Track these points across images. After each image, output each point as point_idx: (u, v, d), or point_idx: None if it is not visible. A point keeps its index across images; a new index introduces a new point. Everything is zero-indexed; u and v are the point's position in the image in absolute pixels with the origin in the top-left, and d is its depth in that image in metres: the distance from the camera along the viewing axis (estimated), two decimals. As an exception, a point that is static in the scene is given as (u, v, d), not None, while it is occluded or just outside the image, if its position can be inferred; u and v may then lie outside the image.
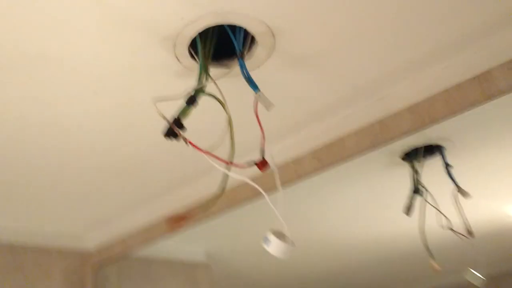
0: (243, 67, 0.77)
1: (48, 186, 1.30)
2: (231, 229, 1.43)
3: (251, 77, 0.76)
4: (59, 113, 0.98)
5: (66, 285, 1.59)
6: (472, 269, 1.22)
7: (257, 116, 0.75)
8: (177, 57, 0.83)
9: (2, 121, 0.99)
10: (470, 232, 1.13)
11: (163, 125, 0.74)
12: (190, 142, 0.69)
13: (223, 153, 0.77)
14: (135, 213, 1.51)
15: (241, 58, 0.78)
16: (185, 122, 0.75)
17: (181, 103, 0.76)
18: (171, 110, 0.75)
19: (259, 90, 0.75)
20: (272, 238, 0.65)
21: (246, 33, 0.80)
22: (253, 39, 0.81)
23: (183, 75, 0.87)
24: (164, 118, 0.69)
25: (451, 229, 1.13)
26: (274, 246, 0.65)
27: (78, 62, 0.83)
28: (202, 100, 0.78)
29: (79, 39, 0.78)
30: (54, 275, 1.58)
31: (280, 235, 0.66)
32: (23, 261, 1.52)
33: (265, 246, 0.66)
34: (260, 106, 0.76)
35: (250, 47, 0.83)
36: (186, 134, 0.74)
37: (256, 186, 0.69)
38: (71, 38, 0.78)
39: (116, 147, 1.14)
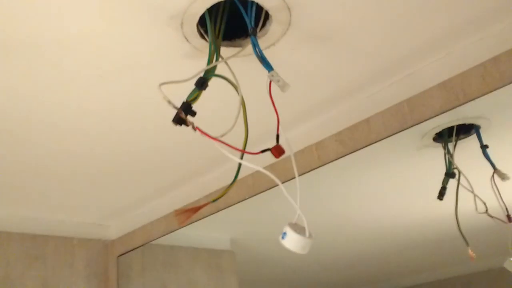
0: (255, 45, 0.71)
1: (68, 177, 1.29)
2: (256, 215, 1.41)
3: (264, 56, 0.71)
4: (71, 101, 0.94)
5: (88, 273, 1.59)
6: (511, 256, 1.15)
7: (271, 97, 0.70)
8: (185, 37, 0.78)
9: (13, 111, 0.96)
10: (508, 217, 1.07)
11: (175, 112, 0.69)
12: (197, 129, 0.64)
13: (238, 141, 0.72)
14: (155, 202, 1.49)
15: (253, 35, 0.72)
16: (196, 107, 0.70)
17: (190, 86, 0.71)
18: (182, 94, 0.70)
19: (273, 70, 0.69)
20: (289, 232, 0.60)
21: (259, 8, 0.73)
22: (267, 14, 0.75)
23: (192, 56, 0.82)
24: (170, 103, 0.64)
25: (488, 214, 1.07)
26: (291, 241, 0.60)
27: (79, 44, 0.79)
28: (213, 83, 0.72)
29: (79, 19, 0.73)
30: (76, 264, 1.57)
31: (298, 228, 0.61)
32: (44, 250, 1.52)
33: (282, 242, 0.61)
34: (274, 87, 0.70)
35: (264, 24, 0.77)
36: (197, 121, 0.69)
37: (270, 174, 0.64)
38: (71, 19, 0.73)
39: (132, 138, 1.11)
